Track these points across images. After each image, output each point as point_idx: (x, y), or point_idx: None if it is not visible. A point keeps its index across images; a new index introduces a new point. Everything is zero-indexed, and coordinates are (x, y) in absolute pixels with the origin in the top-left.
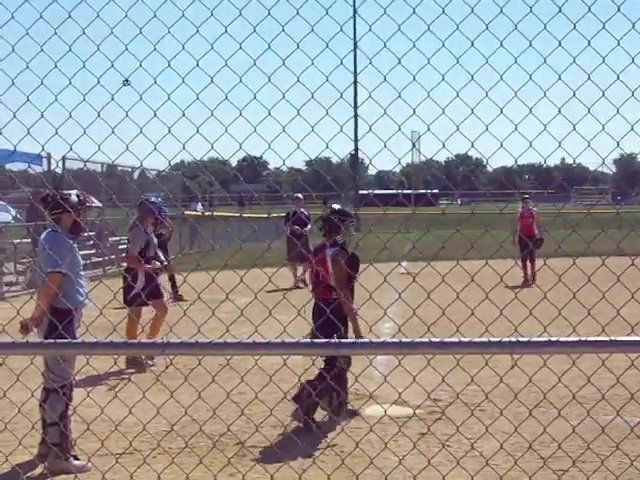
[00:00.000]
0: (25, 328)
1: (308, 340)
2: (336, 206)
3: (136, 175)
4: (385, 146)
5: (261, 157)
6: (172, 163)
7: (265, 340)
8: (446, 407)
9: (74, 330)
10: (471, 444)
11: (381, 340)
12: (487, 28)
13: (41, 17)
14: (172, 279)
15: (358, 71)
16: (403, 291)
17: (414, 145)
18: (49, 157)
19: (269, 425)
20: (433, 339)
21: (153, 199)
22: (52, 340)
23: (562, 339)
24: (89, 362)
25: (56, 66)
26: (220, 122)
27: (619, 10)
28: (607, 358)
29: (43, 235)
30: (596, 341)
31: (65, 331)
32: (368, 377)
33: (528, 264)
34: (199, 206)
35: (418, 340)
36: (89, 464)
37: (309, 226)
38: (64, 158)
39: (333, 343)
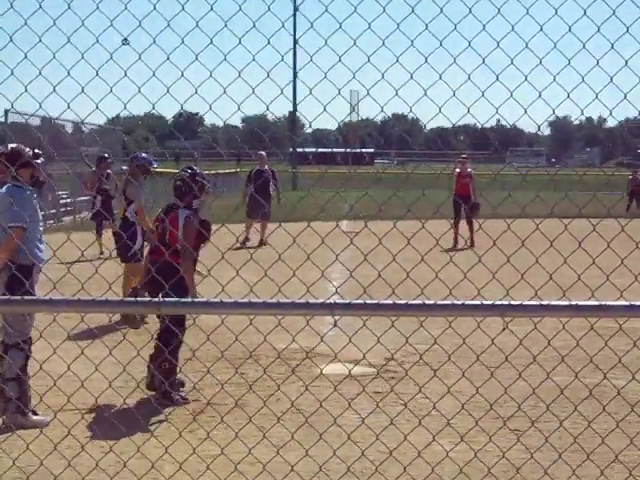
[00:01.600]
0: None
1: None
2: (193, 168)
3: (70, 129)
4: (325, 110)
5: (197, 113)
6: (110, 118)
7: (260, 300)
8: (409, 368)
9: (33, 286)
10: (433, 404)
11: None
12: None
13: None
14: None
15: (299, 34)
16: (340, 252)
17: (354, 107)
18: None
19: (235, 384)
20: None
21: (144, 154)
22: (46, 297)
23: (525, 303)
24: (55, 319)
25: None
26: (162, 83)
27: None
28: (567, 322)
29: (3, 189)
30: (558, 305)
31: (23, 287)
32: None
33: (464, 227)
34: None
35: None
36: (48, 418)
37: (272, 186)
38: (6, 112)
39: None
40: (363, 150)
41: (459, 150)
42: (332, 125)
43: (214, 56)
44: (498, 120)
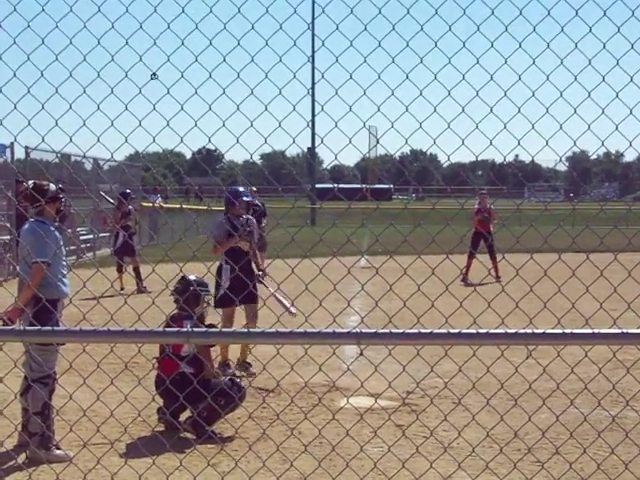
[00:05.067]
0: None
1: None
2: (192, 277)
3: (89, 166)
4: (350, 142)
5: (216, 150)
6: (127, 155)
7: (288, 330)
8: (432, 399)
9: (58, 320)
10: (458, 432)
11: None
12: (450, 29)
13: None
14: (136, 270)
15: (319, 66)
16: (365, 283)
17: (377, 141)
18: (12, 146)
19: (258, 417)
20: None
21: (241, 188)
22: (76, 328)
23: (549, 331)
24: (85, 350)
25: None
26: (190, 116)
27: (577, 14)
28: (590, 350)
29: (27, 225)
30: (581, 333)
31: (50, 321)
32: (339, 369)
33: (486, 260)
34: (158, 198)
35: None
36: (71, 453)
37: (265, 221)
38: (27, 148)
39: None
40: (382, 186)
41: (477, 186)
42: (350, 162)
43: (239, 92)
44: (516, 156)
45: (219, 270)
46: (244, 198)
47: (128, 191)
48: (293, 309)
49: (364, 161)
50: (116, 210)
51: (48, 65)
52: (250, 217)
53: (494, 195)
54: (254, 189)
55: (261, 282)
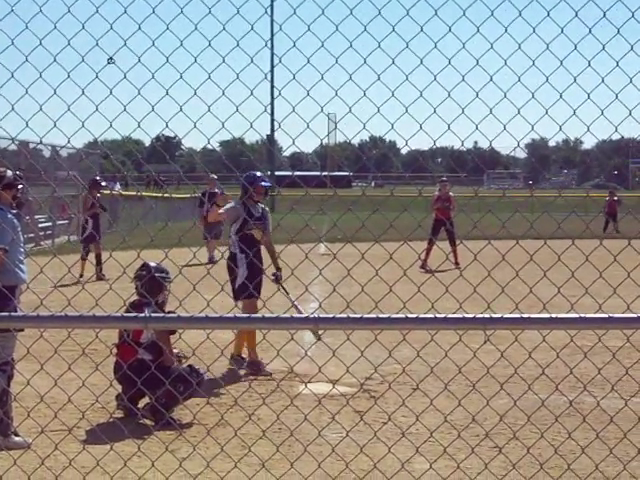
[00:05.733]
0: None
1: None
2: (153, 264)
3: (47, 154)
4: (308, 127)
5: (175, 137)
6: (86, 142)
7: (245, 315)
8: (390, 384)
9: (15, 306)
10: (416, 417)
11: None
12: (407, 14)
13: None
14: (98, 257)
15: (277, 51)
16: (323, 269)
17: (336, 126)
18: None
19: (217, 403)
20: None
21: (259, 173)
22: (34, 313)
23: (506, 315)
24: (42, 336)
25: None
26: (148, 102)
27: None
28: (547, 334)
29: None
30: (538, 318)
31: (7, 307)
32: (297, 355)
33: (446, 246)
34: (117, 186)
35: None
36: (30, 439)
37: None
38: None
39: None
40: (341, 173)
41: (436, 173)
42: (309, 148)
43: (195, 77)
44: (475, 142)
45: (232, 259)
46: (262, 183)
47: (98, 178)
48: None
49: (323, 148)
50: (86, 198)
51: (4, 49)
52: (265, 207)
53: (453, 182)
54: (214, 177)
55: (280, 285)
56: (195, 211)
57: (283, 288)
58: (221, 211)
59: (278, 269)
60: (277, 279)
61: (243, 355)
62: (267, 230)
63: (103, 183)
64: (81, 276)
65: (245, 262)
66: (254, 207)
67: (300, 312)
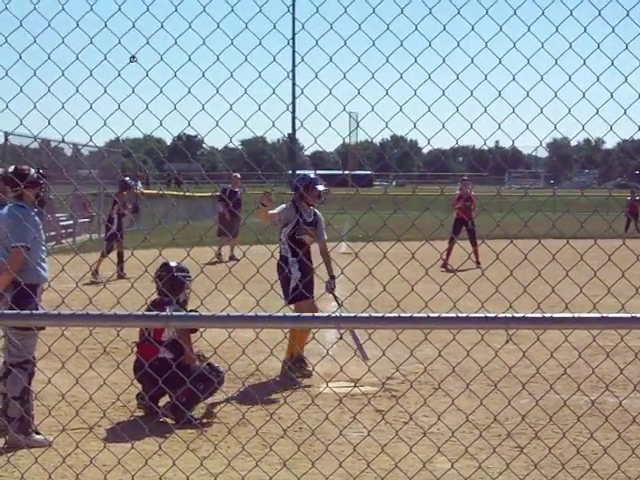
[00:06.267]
0: None
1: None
2: (173, 263)
3: (69, 152)
4: (330, 125)
5: (196, 136)
6: (108, 140)
7: (267, 314)
8: (412, 383)
9: (37, 305)
10: (438, 416)
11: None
12: (430, 12)
13: None
14: (120, 256)
15: (299, 49)
16: (345, 267)
17: (357, 124)
18: None
19: (239, 400)
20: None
21: (313, 175)
22: (55, 311)
23: (529, 315)
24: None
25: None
26: (170, 100)
27: None
28: (570, 334)
29: (5, 209)
30: (561, 317)
31: (29, 305)
32: (318, 355)
33: (467, 246)
34: (139, 184)
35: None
36: (51, 438)
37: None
38: (6, 133)
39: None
40: (363, 172)
41: (458, 172)
42: (331, 147)
43: (218, 75)
44: (497, 142)
45: (284, 262)
46: (318, 187)
47: (128, 179)
48: (367, 352)
49: (344, 147)
50: (119, 197)
51: (25, 48)
52: (317, 212)
53: (475, 181)
54: (238, 176)
55: (333, 295)
56: (215, 207)
57: (335, 298)
58: (275, 211)
59: (332, 277)
60: (330, 288)
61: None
62: (322, 236)
63: (132, 183)
64: (96, 272)
65: (297, 265)
66: (306, 211)
67: (360, 345)
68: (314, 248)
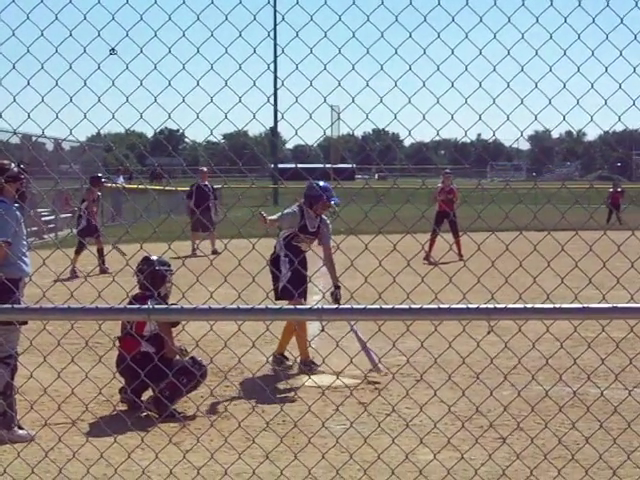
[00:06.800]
0: None
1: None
2: (154, 257)
3: (50, 147)
4: (311, 117)
5: (178, 130)
6: (89, 135)
7: (249, 306)
8: (394, 374)
9: (19, 299)
10: (420, 407)
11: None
12: (411, 3)
13: None
14: (100, 251)
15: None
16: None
17: (339, 117)
18: None
19: (220, 394)
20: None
21: (322, 183)
22: (36, 305)
23: (510, 305)
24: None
25: None
26: (151, 93)
27: None
28: (551, 324)
29: None
30: (543, 308)
31: (11, 300)
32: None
33: (449, 238)
34: (121, 179)
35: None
36: (33, 432)
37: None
38: None
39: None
40: (345, 165)
41: (440, 165)
42: (312, 140)
43: (198, 67)
44: (479, 134)
45: (276, 262)
46: (331, 200)
47: (99, 175)
48: (381, 366)
49: (326, 140)
50: (89, 193)
51: (5, 41)
52: (326, 219)
53: (457, 173)
54: (204, 170)
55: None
56: (185, 203)
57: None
58: (274, 217)
59: (337, 287)
60: (336, 299)
61: (285, 354)
62: (326, 241)
63: (103, 179)
64: (74, 271)
65: (288, 265)
66: (312, 220)
67: (374, 360)
68: (315, 249)
